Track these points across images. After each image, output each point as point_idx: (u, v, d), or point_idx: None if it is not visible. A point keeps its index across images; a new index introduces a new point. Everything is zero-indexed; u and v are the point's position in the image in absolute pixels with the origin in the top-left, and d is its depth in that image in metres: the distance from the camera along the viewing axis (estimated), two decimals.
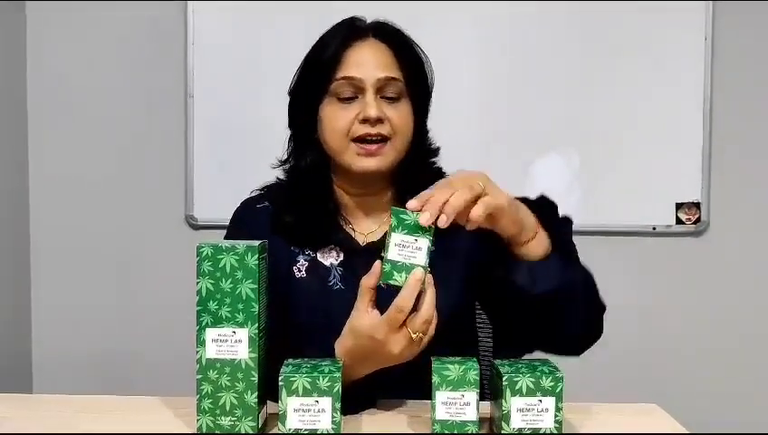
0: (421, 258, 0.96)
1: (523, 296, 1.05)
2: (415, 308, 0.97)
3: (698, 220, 2.17)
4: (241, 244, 0.97)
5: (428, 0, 2.13)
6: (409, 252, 0.96)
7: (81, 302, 2.26)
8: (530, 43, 2.17)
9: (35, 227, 2.26)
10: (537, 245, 1.05)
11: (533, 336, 1.15)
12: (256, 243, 0.98)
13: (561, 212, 1.15)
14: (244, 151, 2.18)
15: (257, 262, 0.96)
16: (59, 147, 2.25)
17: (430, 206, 0.95)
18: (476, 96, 2.17)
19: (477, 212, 0.96)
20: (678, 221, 2.18)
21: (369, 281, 1.00)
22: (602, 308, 1.14)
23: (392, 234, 0.96)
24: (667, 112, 2.16)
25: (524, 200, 1.08)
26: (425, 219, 0.94)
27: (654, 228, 2.18)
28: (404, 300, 0.96)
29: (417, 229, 0.96)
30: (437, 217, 0.94)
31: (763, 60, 2.18)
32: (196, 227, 2.22)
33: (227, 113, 2.19)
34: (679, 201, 2.17)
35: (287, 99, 1.26)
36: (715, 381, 2.19)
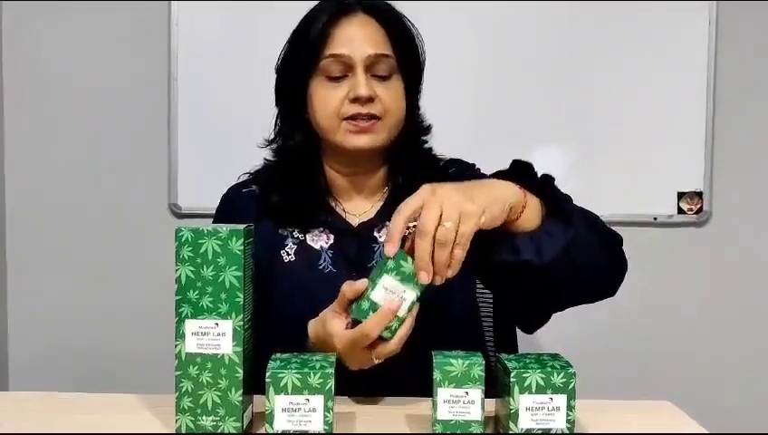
0: (402, 309, 0.92)
1: (535, 269, 0.99)
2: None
3: (700, 210, 2.12)
4: (224, 227, 0.89)
5: None
6: (394, 298, 0.92)
7: (59, 295, 2.19)
8: (529, 30, 2.11)
9: (11, 216, 2.18)
10: (530, 215, 1.00)
11: (559, 298, 1.09)
12: (241, 226, 0.89)
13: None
14: (230, 137, 2.10)
15: (242, 247, 0.88)
16: (36, 134, 2.17)
17: (424, 265, 0.91)
18: (474, 85, 2.11)
19: (459, 257, 0.92)
20: (680, 211, 2.13)
21: (349, 289, 0.94)
22: (619, 240, 1.10)
23: (384, 275, 0.92)
24: (669, 100, 2.11)
25: (499, 174, 1.04)
26: (424, 279, 0.91)
27: (655, 218, 2.13)
28: (372, 328, 0.92)
29: (410, 280, 0.92)
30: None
31: (767, 49, 2.12)
32: (181, 215, 2.14)
33: (212, 97, 2.12)
34: (681, 191, 2.12)
35: (274, 77, 1.21)
36: (718, 372, 2.14)
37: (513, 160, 1.10)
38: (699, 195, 2.12)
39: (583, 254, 1.01)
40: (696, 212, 2.12)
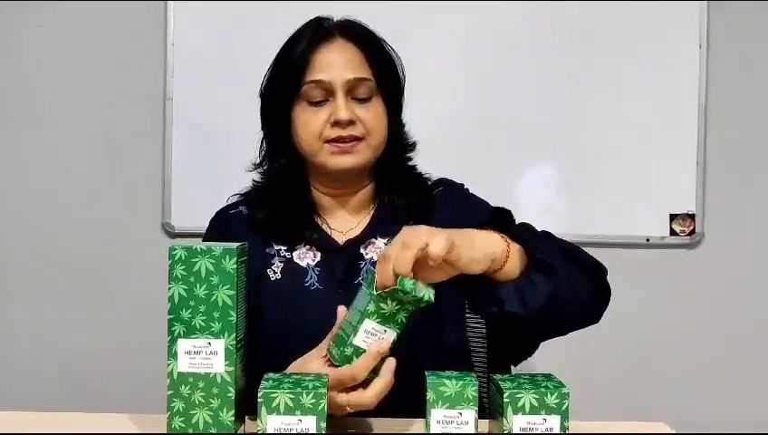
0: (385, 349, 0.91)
1: (521, 319, 0.98)
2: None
3: (693, 232, 2.12)
4: (218, 246, 0.88)
5: (420, 0, 2.07)
6: (375, 340, 0.91)
7: (49, 313, 2.16)
8: (520, 49, 2.12)
9: (2, 233, 2.17)
10: (513, 265, 0.98)
11: (544, 336, 1.09)
12: (234, 245, 0.89)
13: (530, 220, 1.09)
14: (224, 158, 2.09)
15: (235, 266, 0.88)
16: (29, 151, 2.16)
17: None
18: (464, 102, 2.11)
19: (435, 251, 0.87)
20: (672, 233, 2.13)
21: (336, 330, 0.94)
22: (602, 271, 1.08)
23: (365, 319, 0.90)
24: (662, 122, 2.12)
25: (479, 225, 1.02)
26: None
27: (647, 240, 2.13)
28: (360, 370, 0.91)
29: (390, 320, 0.90)
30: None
31: (758, 69, 2.14)
32: (173, 234, 2.13)
33: (207, 116, 2.12)
34: (673, 212, 2.13)
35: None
36: (711, 393, 2.13)
37: (493, 208, 1.10)
38: (691, 217, 2.13)
39: (568, 297, 1.00)
40: (689, 234, 2.13)
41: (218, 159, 2.11)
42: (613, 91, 2.12)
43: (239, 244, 0.91)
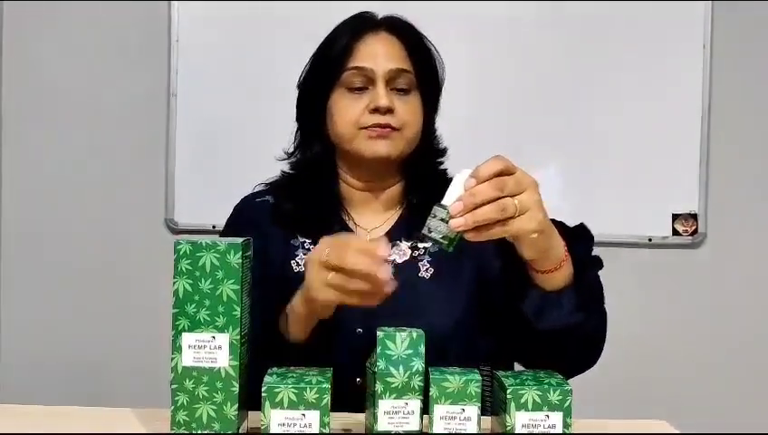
0: (415, 423, 0.86)
1: (526, 326, 1.00)
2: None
3: (695, 232, 2.13)
4: (222, 241, 0.89)
5: (423, 0, 2.07)
6: (401, 418, 0.86)
7: (53, 308, 2.18)
8: (523, 49, 2.13)
9: (7, 229, 2.18)
10: (557, 277, 0.99)
11: (528, 356, 1.10)
12: (239, 240, 0.90)
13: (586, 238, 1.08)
14: (227, 154, 2.11)
15: (240, 260, 0.88)
16: (34, 147, 2.17)
17: (465, 208, 0.88)
18: (470, 103, 2.11)
19: (495, 234, 0.89)
20: (675, 232, 2.13)
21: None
22: (600, 351, 1.09)
23: (378, 401, 0.86)
24: (665, 122, 2.12)
25: (560, 225, 1.02)
26: (456, 224, 0.87)
27: (650, 240, 2.13)
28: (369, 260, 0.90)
29: (407, 391, 0.86)
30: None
31: (762, 70, 2.14)
32: (177, 231, 2.14)
33: (211, 114, 2.13)
34: (676, 212, 2.13)
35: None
36: (713, 392, 2.14)
37: (581, 223, 1.09)
38: (694, 217, 2.13)
39: (573, 344, 1.02)
40: (691, 234, 2.13)
41: (221, 157, 2.11)
42: (616, 90, 2.12)
43: (243, 239, 0.91)
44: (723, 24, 2.11)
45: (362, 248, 0.91)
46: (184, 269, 0.88)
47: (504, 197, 0.88)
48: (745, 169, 2.15)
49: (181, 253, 0.88)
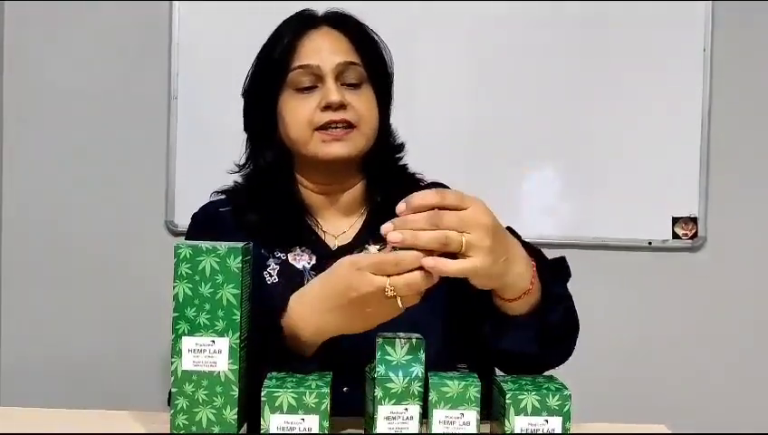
0: (414, 428, 0.87)
1: (488, 344, 0.99)
2: None
3: (695, 235, 2.13)
4: (223, 245, 0.89)
5: (423, 0, 2.07)
6: (400, 423, 0.86)
7: (53, 310, 2.17)
8: (522, 50, 2.12)
9: (7, 230, 2.17)
10: (519, 305, 0.96)
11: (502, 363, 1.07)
12: (240, 244, 0.90)
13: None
14: (228, 156, 2.08)
15: (240, 265, 0.88)
16: (35, 148, 2.17)
17: (405, 228, 0.83)
18: (467, 105, 2.11)
19: (443, 269, 0.84)
20: (675, 236, 2.13)
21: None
22: (570, 352, 1.07)
23: (378, 407, 0.86)
24: (665, 125, 2.12)
25: (537, 254, 0.98)
26: (393, 237, 0.83)
27: (650, 243, 2.13)
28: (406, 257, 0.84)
29: (406, 397, 0.86)
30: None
31: (762, 73, 2.14)
32: (177, 233, 2.13)
33: (211, 116, 2.12)
34: (676, 216, 2.13)
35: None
36: (712, 397, 2.13)
37: (562, 258, 1.04)
38: (694, 220, 2.13)
39: (538, 360, 1.00)
40: (691, 237, 2.13)
41: (222, 159, 2.09)
42: (616, 93, 2.12)
43: (244, 243, 0.91)
44: (723, 27, 2.10)
45: (391, 261, 0.85)
46: (184, 273, 0.88)
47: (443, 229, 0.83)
48: (746, 172, 2.15)
49: (181, 257, 0.88)
